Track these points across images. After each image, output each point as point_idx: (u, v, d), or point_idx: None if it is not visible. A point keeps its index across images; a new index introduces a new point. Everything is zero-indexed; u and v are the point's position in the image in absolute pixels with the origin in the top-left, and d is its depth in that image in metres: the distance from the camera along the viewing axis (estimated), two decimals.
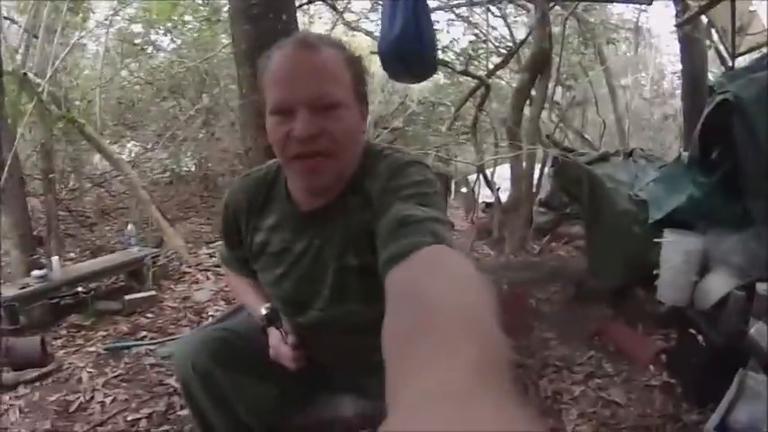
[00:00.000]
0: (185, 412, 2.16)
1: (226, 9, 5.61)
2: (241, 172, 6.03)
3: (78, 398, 2.31)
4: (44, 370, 2.45)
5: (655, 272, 2.94)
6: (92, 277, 3.27)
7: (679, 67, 5.31)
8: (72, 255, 4.34)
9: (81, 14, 5.10)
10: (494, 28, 5.25)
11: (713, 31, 4.43)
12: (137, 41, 5.72)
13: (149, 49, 5.83)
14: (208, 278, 3.87)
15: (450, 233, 0.83)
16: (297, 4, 3.38)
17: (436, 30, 3.51)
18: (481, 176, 4.41)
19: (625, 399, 2.36)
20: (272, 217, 1.14)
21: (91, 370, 2.53)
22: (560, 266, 4.00)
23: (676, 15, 4.59)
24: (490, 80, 4.63)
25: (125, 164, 4.38)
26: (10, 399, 2.30)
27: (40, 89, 3.87)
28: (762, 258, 2.33)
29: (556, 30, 4.63)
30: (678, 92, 6.30)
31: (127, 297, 3.21)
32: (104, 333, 2.89)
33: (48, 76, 4.00)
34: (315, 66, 0.95)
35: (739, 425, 1.56)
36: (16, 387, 2.37)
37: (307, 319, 1.15)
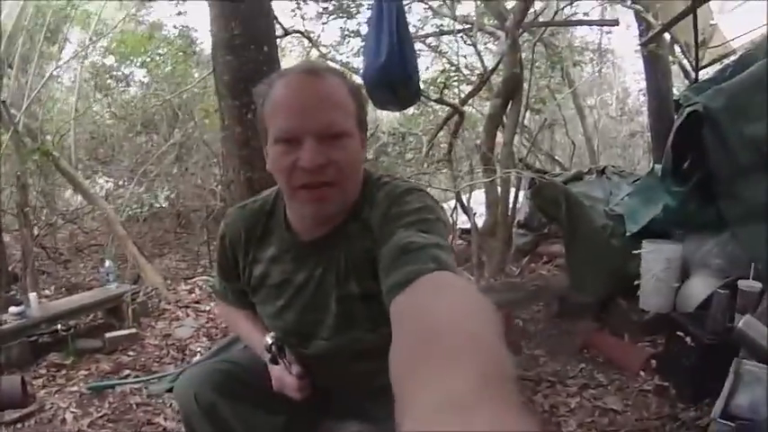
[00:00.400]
0: None
1: (200, 42, 5.68)
2: (215, 208, 5.90)
3: None
4: (25, 411, 2.35)
5: (636, 282, 3.06)
6: (71, 314, 3.16)
7: (643, 84, 5.60)
8: (47, 292, 4.20)
9: (57, 44, 5.04)
10: (464, 57, 5.45)
11: (676, 46, 4.68)
12: (110, 74, 5.70)
13: (122, 83, 5.82)
14: (188, 315, 3.81)
15: (452, 258, 0.84)
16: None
17: None
18: (458, 203, 4.49)
19: (621, 405, 2.40)
20: (271, 248, 1.12)
21: (75, 410, 2.43)
22: (543, 285, 4.06)
23: (640, 34, 4.85)
24: (464, 107, 4.77)
25: (100, 199, 4.29)
26: None
27: (16, 120, 3.79)
28: (741, 258, 2.45)
29: (524, 55, 4.82)
30: (644, 108, 6.58)
31: (107, 335, 3.11)
32: (86, 372, 2.79)
33: (23, 107, 3.92)
34: (322, 94, 0.94)
35: (741, 409, 1.64)
36: None
37: (311, 349, 1.14)
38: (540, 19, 5.08)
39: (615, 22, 5.44)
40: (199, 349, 3.21)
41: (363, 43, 3.10)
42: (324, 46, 5.39)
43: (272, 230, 1.12)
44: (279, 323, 1.15)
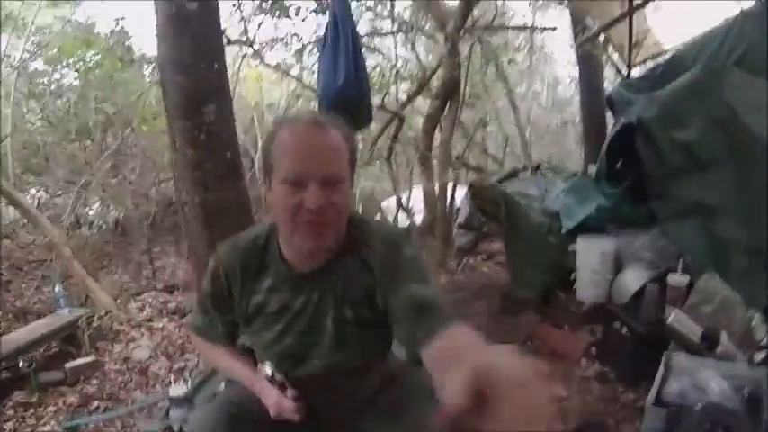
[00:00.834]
0: None
1: (138, 50, 5.39)
2: (156, 216, 5.69)
3: None
4: None
5: (572, 275, 3.27)
6: (30, 347, 3.04)
7: (574, 72, 5.89)
8: None
9: None
10: (402, 57, 5.52)
11: (609, 45, 4.98)
12: (41, 81, 5.31)
13: (53, 87, 5.42)
14: (142, 334, 3.74)
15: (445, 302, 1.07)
16: None
17: None
18: (398, 204, 4.62)
19: (567, 392, 2.57)
20: (267, 279, 1.22)
21: None
22: (485, 282, 4.24)
23: (575, 35, 5.11)
24: (404, 111, 4.88)
25: (43, 219, 4.05)
26: None
27: None
28: (670, 251, 2.73)
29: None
30: (576, 99, 6.88)
31: (68, 365, 3.02)
32: (53, 408, 2.72)
33: None
34: (325, 146, 1.08)
35: (671, 396, 1.86)
36: None
37: (306, 369, 1.25)
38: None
39: (553, 29, 5.70)
40: (160, 371, 3.20)
41: (317, 64, 3.11)
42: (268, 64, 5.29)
43: (268, 264, 1.22)
44: (277, 348, 1.25)
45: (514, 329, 3.29)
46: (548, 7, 6.32)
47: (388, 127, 4.81)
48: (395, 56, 5.36)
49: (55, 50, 5.24)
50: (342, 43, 2.65)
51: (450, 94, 4.57)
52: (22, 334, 3.14)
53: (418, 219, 4.96)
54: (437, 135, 4.94)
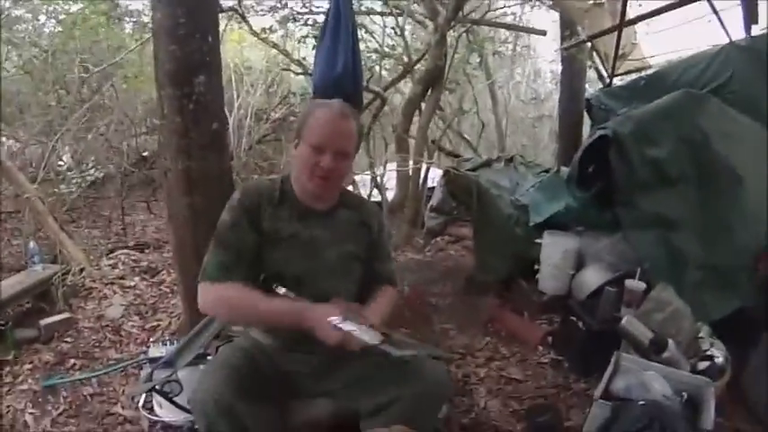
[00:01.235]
0: None
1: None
2: (127, 171, 5.53)
3: None
4: None
5: (536, 266, 3.43)
6: (5, 304, 3.02)
7: (555, 66, 5.98)
8: None
9: None
10: (388, 36, 5.52)
11: (594, 53, 5.11)
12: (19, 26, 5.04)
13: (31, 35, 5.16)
14: (114, 292, 3.74)
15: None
16: None
17: None
18: (372, 180, 4.71)
19: (522, 375, 2.80)
20: (285, 211, 1.60)
21: (33, 411, 2.39)
22: (452, 265, 4.42)
23: (562, 38, 5.22)
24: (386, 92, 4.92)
25: (23, 177, 3.94)
26: None
27: None
28: (630, 257, 2.90)
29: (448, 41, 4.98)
30: (555, 95, 7.04)
31: (42, 322, 3.02)
32: (29, 366, 2.72)
33: None
34: (344, 129, 1.56)
35: (617, 391, 2.02)
36: None
37: (312, 291, 1.52)
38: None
39: (543, 33, 5.76)
40: (133, 329, 3.24)
41: (315, 51, 3.10)
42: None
43: (286, 200, 1.62)
44: (287, 270, 1.57)
45: (476, 311, 3.48)
46: (540, 7, 6.36)
47: (370, 105, 4.85)
48: (382, 38, 5.33)
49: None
50: (343, 35, 2.68)
51: (433, 81, 4.66)
52: None
53: (390, 195, 5.07)
54: (415, 119, 5.04)
